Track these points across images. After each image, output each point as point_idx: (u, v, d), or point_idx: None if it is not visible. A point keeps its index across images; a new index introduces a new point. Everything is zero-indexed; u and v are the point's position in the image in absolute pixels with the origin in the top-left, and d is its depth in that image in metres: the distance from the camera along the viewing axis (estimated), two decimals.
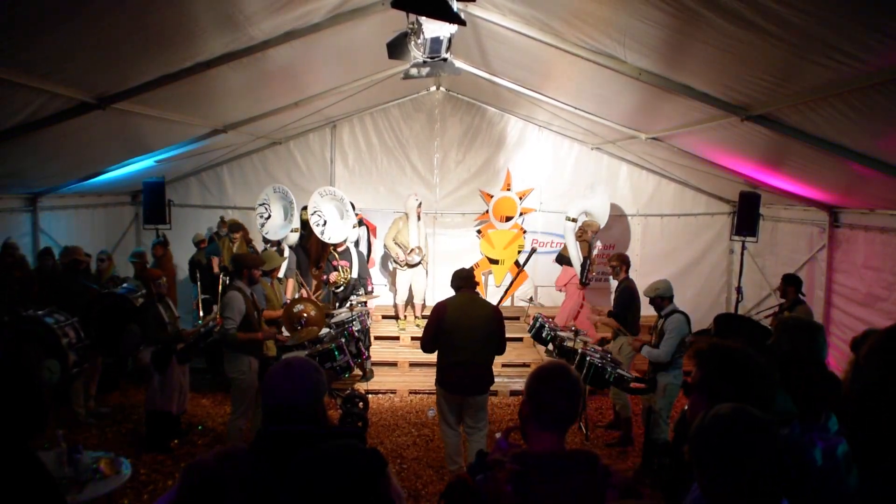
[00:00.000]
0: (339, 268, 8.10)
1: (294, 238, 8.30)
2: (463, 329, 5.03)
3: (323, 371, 2.13)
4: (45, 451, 3.93)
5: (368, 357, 7.65)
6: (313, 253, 8.69)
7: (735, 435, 1.57)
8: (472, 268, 5.66)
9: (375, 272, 10.04)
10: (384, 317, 9.66)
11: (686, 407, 2.96)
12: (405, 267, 9.05)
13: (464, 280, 5.27)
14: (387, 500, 1.74)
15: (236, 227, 8.51)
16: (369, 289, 8.59)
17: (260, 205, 8.00)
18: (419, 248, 8.99)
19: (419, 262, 9.05)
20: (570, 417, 2.00)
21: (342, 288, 8.14)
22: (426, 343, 5.20)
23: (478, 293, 5.51)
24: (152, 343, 5.89)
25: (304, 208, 8.30)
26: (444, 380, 5.16)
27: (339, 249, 8.20)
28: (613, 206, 10.14)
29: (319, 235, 7.87)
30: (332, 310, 7.52)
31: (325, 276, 8.17)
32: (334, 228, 7.97)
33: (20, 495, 1.94)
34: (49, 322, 5.36)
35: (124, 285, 7.02)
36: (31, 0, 3.18)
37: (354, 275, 8.25)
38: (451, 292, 5.38)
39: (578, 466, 1.89)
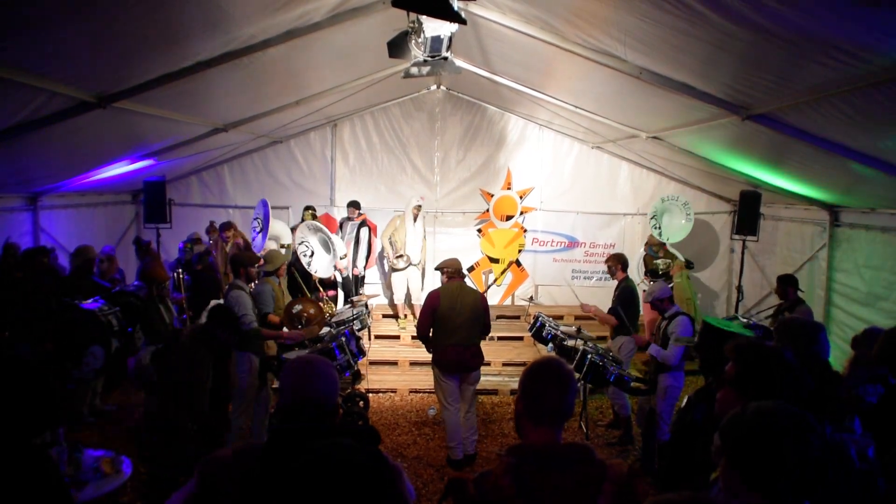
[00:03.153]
0: (324, 299, 7.97)
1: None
2: (455, 313, 5.65)
3: (334, 367, 2.13)
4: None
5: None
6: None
7: (781, 430, 1.58)
8: (459, 261, 6.10)
9: (374, 272, 10.04)
10: (384, 316, 9.66)
11: (682, 405, 2.97)
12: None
13: (454, 270, 5.89)
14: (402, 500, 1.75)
15: (226, 225, 8.55)
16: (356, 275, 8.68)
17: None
18: (407, 255, 8.98)
19: (404, 268, 9.05)
20: (564, 412, 1.98)
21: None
22: (421, 327, 5.83)
23: (465, 282, 6.05)
24: (153, 342, 5.89)
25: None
26: (441, 360, 5.72)
27: (325, 279, 8.19)
28: (612, 205, 10.17)
29: (306, 266, 7.87)
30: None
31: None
32: (320, 261, 7.95)
33: (32, 493, 1.95)
34: (94, 309, 5.42)
35: (134, 283, 7.03)
36: (32, 0, 3.19)
37: (340, 305, 8.21)
38: None
39: (574, 459, 1.89)
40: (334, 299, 8.36)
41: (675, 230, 9.03)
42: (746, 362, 2.18)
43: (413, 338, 8.87)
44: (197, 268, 7.93)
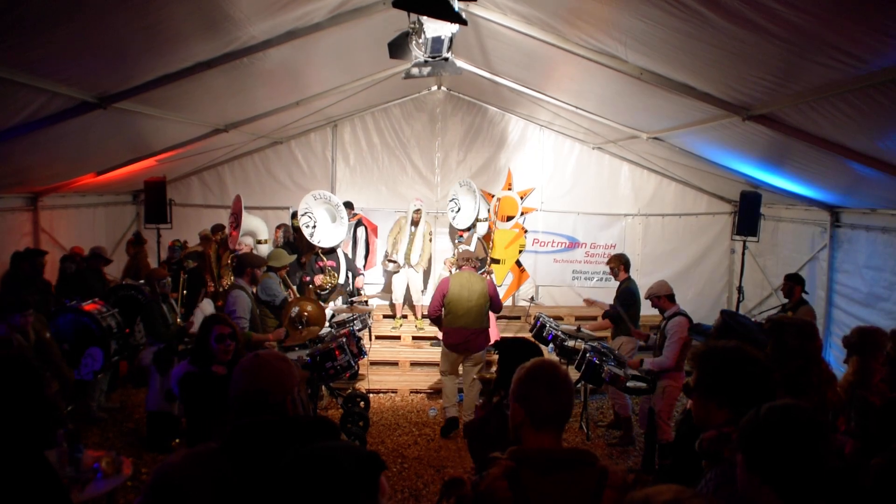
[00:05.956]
0: (325, 269, 7.92)
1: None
2: (463, 299, 6.28)
3: (292, 363, 2.10)
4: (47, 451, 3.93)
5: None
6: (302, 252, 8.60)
7: (799, 428, 1.62)
8: (470, 252, 6.71)
9: (375, 273, 10.02)
10: (385, 316, 9.65)
11: (689, 407, 2.97)
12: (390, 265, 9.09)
13: (464, 260, 6.60)
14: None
15: (217, 227, 8.56)
16: (359, 286, 8.57)
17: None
18: (396, 262, 8.94)
19: (394, 271, 9.06)
20: (567, 414, 1.98)
21: (327, 292, 7.93)
22: (432, 310, 6.53)
23: (475, 271, 6.64)
24: (156, 341, 5.90)
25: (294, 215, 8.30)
26: (449, 341, 6.41)
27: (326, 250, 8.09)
28: (613, 205, 10.15)
29: (309, 238, 7.78)
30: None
31: (307, 278, 7.83)
32: (325, 232, 7.85)
33: (29, 495, 1.94)
34: (92, 311, 5.44)
35: (140, 283, 7.08)
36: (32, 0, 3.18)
37: (342, 280, 8.13)
38: None
39: (575, 464, 1.87)
40: (336, 269, 8.24)
41: (465, 218, 8.80)
42: (708, 368, 2.16)
43: (414, 338, 8.88)
44: (186, 265, 7.95)
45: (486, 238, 9.18)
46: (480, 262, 8.53)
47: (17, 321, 4.77)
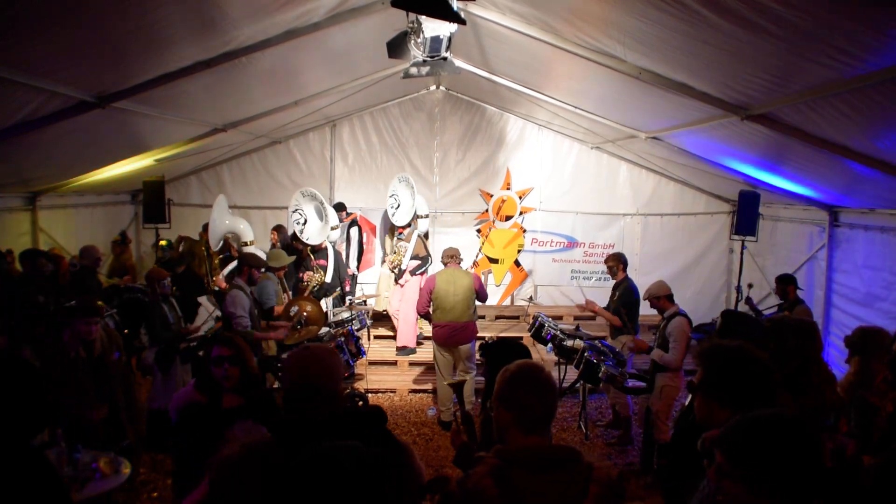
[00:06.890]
0: (314, 267, 7.84)
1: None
2: (449, 294, 6.50)
3: (339, 356, 2.14)
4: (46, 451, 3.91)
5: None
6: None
7: (784, 438, 1.58)
8: (455, 249, 6.90)
9: (373, 273, 10.00)
10: (383, 316, 9.64)
11: (685, 405, 2.97)
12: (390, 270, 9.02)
13: (449, 257, 6.77)
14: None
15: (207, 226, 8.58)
16: (347, 289, 8.44)
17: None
18: (397, 269, 8.86)
19: (395, 273, 8.97)
20: (553, 415, 2.00)
21: (315, 290, 7.80)
22: (419, 307, 6.80)
23: (460, 267, 6.86)
24: (157, 342, 5.89)
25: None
26: (438, 336, 6.60)
27: (318, 248, 8.01)
28: (611, 205, 10.15)
29: (299, 234, 7.76)
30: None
31: (302, 274, 7.79)
32: (313, 229, 7.82)
33: (30, 494, 1.94)
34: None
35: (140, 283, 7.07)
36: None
37: (328, 278, 8.08)
38: None
39: (560, 461, 1.88)
40: (324, 269, 8.18)
41: (404, 214, 8.42)
42: (712, 367, 2.16)
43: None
44: (178, 270, 7.90)
45: (426, 236, 8.96)
46: (422, 260, 8.38)
47: (80, 328, 4.31)
